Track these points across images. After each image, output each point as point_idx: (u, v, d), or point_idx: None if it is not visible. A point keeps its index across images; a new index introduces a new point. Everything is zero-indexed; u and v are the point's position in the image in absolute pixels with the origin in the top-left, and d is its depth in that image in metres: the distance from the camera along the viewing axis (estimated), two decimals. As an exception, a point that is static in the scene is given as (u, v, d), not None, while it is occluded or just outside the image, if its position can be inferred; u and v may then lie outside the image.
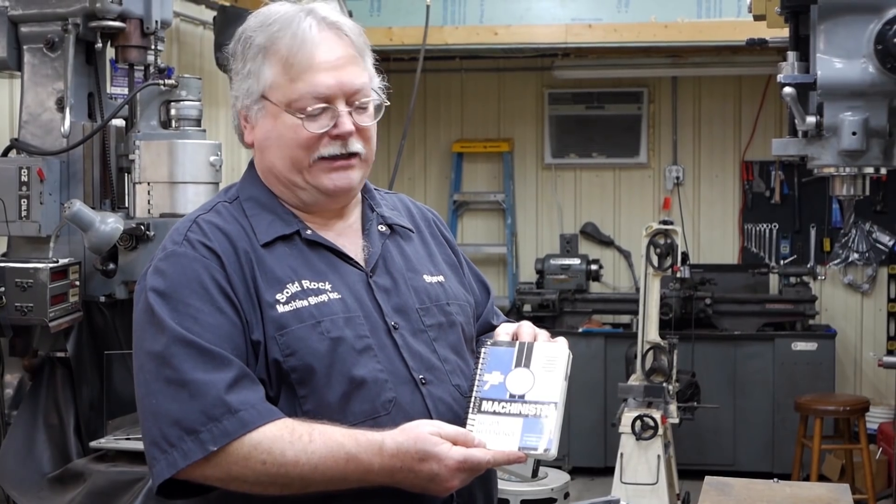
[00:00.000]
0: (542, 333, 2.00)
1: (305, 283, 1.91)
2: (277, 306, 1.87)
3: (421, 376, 1.93)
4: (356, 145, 1.95)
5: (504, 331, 2.03)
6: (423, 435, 1.77)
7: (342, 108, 1.93)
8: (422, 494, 1.81)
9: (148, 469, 1.83)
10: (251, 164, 2.05)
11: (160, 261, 1.90)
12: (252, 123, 1.98)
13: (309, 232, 1.97)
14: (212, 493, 1.85)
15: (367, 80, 1.98)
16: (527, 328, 2.01)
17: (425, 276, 2.06)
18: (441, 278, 2.09)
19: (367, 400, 1.87)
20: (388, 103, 2.03)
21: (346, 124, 1.93)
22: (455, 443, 1.78)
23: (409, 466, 1.76)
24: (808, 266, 7.78)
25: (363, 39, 2.00)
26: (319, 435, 1.78)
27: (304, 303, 1.88)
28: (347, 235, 2.02)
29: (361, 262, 1.99)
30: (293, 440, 1.77)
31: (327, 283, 1.92)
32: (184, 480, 1.80)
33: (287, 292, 1.88)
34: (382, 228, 2.07)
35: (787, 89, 2.64)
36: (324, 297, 1.90)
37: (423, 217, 2.20)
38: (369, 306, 1.94)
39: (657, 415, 5.63)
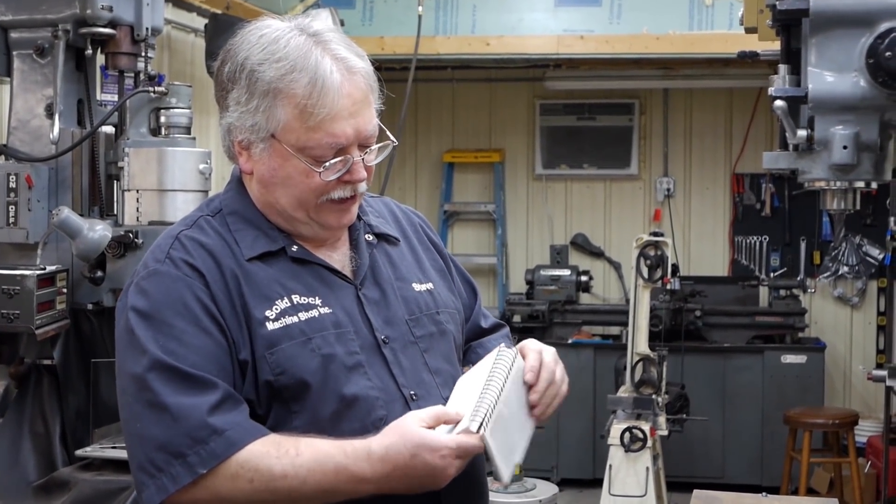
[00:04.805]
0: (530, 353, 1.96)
1: (296, 298, 1.87)
2: (267, 323, 1.83)
3: (411, 392, 1.91)
4: (363, 186, 1.93)
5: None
6: (410, 428, 1.74)
7: (356, 155, 1.88)
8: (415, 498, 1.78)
9: (137, 493, 1.80)
10: (237, 178, 1.99)
11: (142, 279, 1.85)
12: (253, 156, 1.90)
13: (295, 248, 1.93)
14: None
15: (377, 119, 1.92)
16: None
17: (414, 285, 2.04)
18: (430, 286, 2.07)
19: (358, 419, 1.85)
20: (397, 143, 1.98)
21: (361, 172, 1.89)
22: (436, 423, 1.76)
23: (402, 466, 1.73)
24: (798, 279, 7.77)
25: (374, 76, 1.92)
26: (306, 447, 1.75)
27: (294, 319, 1.85)
28: (335, 246, 1.99)
29: (349, 275, 1.97)
30: (280, 455, 1.74)
31: (317, 297, 1.89)
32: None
33: (276, 308, 1.85)
34: (370, 238, 2.04)
35: (779, 102, 2.63)
36: (314, 313, 1.87)
37: (409, 222, 2.17)
38: (359, 321, 1.91)
39: (646, 427, 5.62)
